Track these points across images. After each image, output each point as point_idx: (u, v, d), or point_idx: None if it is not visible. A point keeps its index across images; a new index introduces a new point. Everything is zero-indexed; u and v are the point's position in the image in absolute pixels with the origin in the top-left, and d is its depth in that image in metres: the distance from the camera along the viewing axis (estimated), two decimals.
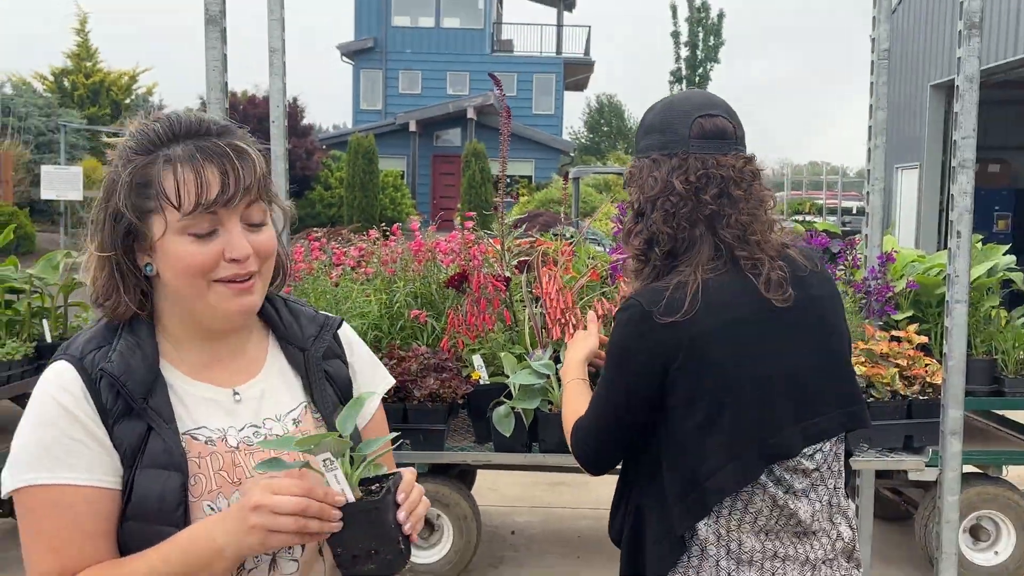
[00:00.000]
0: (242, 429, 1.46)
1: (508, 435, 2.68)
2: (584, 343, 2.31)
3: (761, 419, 1.80)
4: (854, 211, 10.58)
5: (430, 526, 4.77)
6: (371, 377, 1.67)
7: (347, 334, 1.68)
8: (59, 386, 1.39)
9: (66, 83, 28.10)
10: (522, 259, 2.90)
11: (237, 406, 1.47)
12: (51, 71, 28.51)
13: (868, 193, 3.48)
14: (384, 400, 2.92)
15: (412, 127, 28.43)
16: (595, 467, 2.00)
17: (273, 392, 1.51)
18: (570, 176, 13.36)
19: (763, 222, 1.88)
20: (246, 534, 1.29)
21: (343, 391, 1.58)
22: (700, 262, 1.86)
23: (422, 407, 2.74)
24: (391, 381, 1.74)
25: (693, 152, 1.87)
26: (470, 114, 28.10)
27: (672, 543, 1.85)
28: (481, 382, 2.83)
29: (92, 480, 1.35)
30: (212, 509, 1.38)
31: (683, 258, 1.88)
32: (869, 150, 3.40)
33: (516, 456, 2.80)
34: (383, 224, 3.68)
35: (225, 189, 1.37)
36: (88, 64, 28.37)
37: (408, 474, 1.38)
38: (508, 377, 2.71)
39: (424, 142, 29.50)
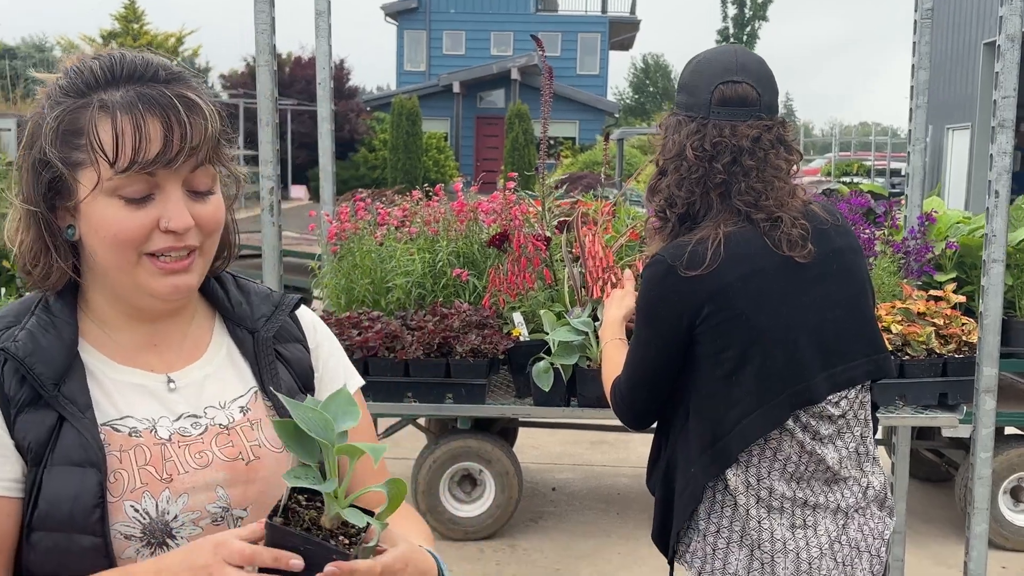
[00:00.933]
0: (177, 419, 1.25)
1: (547, 390, 2.76)
2: (621, 302, 2.35)
3: (787, 367, 1.85)
4: (903, 172, 10.42)
5: (472, 481, 4.88)
6: (340, 372, 1.45)
7: (310, 318, 1.46)
8: None
9: (114, 45, 28.40)
10: (562, 219, 2.96)
11: (172, 394, 1.27)
12: (100, 33, 28.90)
13: (909, 153, 3.48)
14: (426, 354, 3.04)
15: (456, 88, 28.38)
16: (636, 422, 2.06)
17: (218, 378, 1.31)
18: (612, 137, 13.34)
19: (778, 189, 1.90)
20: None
21: (302, 379, 1.38)
22: (720, 221, 1.90)
23: (464, 362, 2.83)
24: (360, 381, 1.49)
25: (712, 119, 1.90)
26: (514, 75, 27.97)
27: (694, 493, 1.91)
28: (521, 339, 2.91)
29: None
30: (135, 510, 1.17)
31: (703, 221, 1.94)
32: (911, 110, 3.40)
33: (554, 410, 2.89)
34: (426, 186, 3.75)
35: (167, 147, 1.15)
36: (135, 26, 28.70)
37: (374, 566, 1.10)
38: (548, 334, 2.78)
39: (468, 103, 29.45)
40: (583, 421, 5.47)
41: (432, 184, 3.74)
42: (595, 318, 2.72)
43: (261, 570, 1.07)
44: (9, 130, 19.26)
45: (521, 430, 5.77)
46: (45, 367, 1.18)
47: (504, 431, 5.33)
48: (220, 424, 1.27)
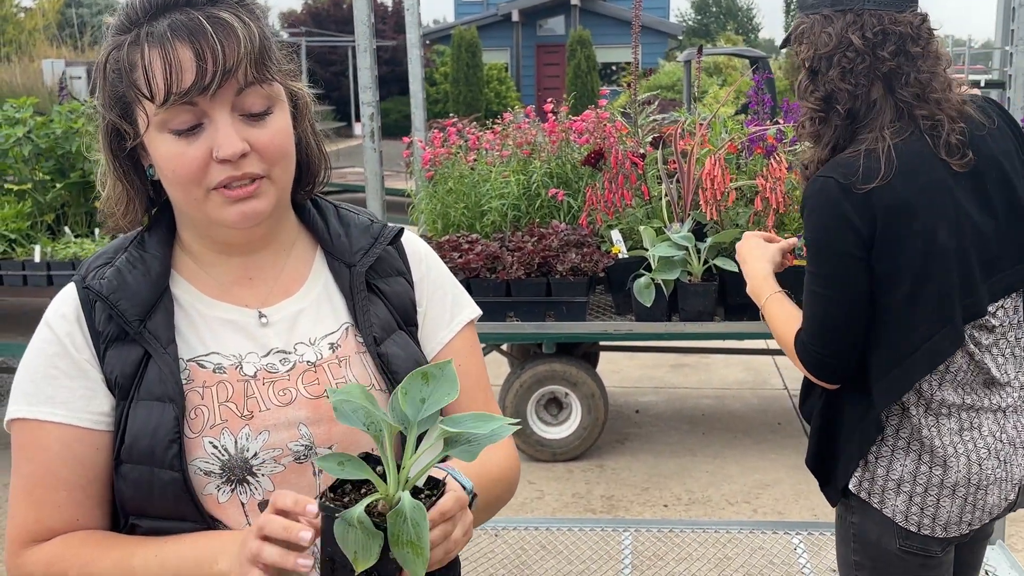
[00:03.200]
0: (266, 355, 1.23)
1: (648, 305, 2.77)
2: (760, 252, 2.14)
3: (962, 282, 1.81)
4: (982, 84, 10.06)
5: (558, 404, 4.95)
6: (446, 307, 1.38)
7: (418, 250, 1.40)
8: (57, 310, 1.23)
9: None
10: (657, 135, 2.95)
11: (263, 329, 1.25)
12: None
13: (1012, 54, 3.37)
14: (527, 274, 3.08)
15: (515, 17, 28.00)
16: (834, 375, 1.90)
17: (311, 313, 1.28)
18: (680, 59, 13.08)
19: (942, 80, 1.86)
20: (241, 570, 1.07)
21: (402, 314, 1.32)
22: (883, 124, 1.84)
23: (564, 281, 2.86)
24: (476, 312, 1.41)
25: (868, 8, 1.84)
26: (574, 0, 27.49)
27: (875, 421, 1.89)
28: (620, 256, 2.92)
29: (69, 417, 1.18)
30: (214, 446, 1.17)
31: (864, 122, 1.87)
32: (1014, 8, 3.28)
33: (656, 325, 2.91)
34: (492, 120, 3.73)
35: (201, 74, 1.10)
36: None
37: (450, 499, 1.07)
38: (647, 251, 2.79)
39: (527, 32, 29.05)
40: (668, 344, 5.50)
41: (494, 116, 3.73)
42: (696, 234, 2.72)
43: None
44: (79, 78, 19.62)
45: (602, 355, 5.81)
46: (129, 303, 1.19)
47: (586, 355, 5.37)
48: (308, 361, 1.24)
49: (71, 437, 1.18)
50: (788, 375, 6.29)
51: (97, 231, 5.08)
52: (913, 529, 1.89)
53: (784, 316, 1.99)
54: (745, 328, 3.58)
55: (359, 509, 0.98)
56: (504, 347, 5.27)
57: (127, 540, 1.19)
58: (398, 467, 1.04)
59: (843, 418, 1.95)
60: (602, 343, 5.42)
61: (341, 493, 1.05)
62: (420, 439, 1.05)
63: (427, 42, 28.38)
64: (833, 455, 1.97)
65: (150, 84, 1.11)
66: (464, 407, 1.26)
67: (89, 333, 1.20)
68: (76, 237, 5.01)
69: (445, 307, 1.37)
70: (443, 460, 1.06)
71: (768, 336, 3.88)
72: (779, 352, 5.73)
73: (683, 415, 5.70)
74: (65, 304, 1.23)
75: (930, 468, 1.89)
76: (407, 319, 1.33)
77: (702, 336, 3.48)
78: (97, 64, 1.18)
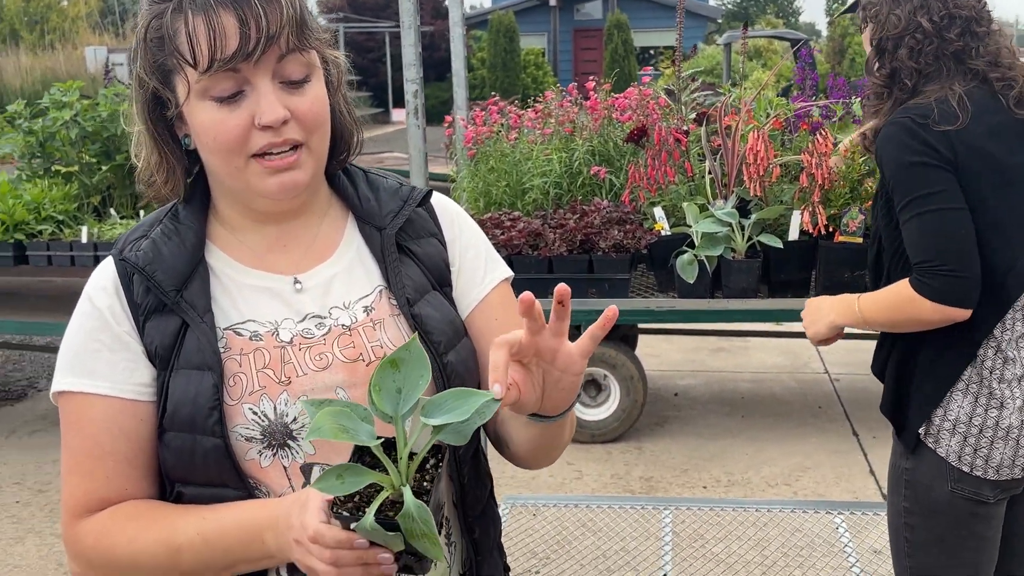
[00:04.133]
0: (302, 320, 1.24)
1: (692, 282, 2.77)
2: (818, 299, 2.18)
3: None
4: None
5: (597, 386, 4.95)
6: (479, 265, 1.37)
7: (449, 210, 1.39)
8: (96, 284, 1.24)
9: None
10: (701, 111, 2.93)
11: (298, 295, 1.25)
12: None
13: None
14: (569, 251, 3.09)
15: (552, 1, 27.91)
16: (968, 293, 1.88)
17: (345, 278, 1.28)
18: (720, 41, 12.97)
19: (1008, 52, 1.96)
20: (292, 555, 1.11)
21: (435, 275, 1.32)
22: (951, 83, 1.94)
23: (606, 258, 2.86)
24: (509, 272, 1.40)
25: None
26: None
27: (947, 363, 1.94)
28: (663, 233, 2.91)
29: (112, 389, 1.19)
30: (254, 412, 1.18)
31: (929, 86, 1.96)
32: None
33: (699, 302, 2.90)
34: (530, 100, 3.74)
35: (244, 40, 1.10)
36: None
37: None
38: (690, 227, 2.78)
39: (564, 16, 28.94)
40: (706, 327, 5.47)
41: (526, 104, 3.73)
42: (740, 211, 2.71)
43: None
44: (121, 64, 19.86)
45: (640, 339, 5.80)
46: (165, 275, 1.19)
47: (624, 338, 5.37)
48: (343, 325, 1.24)
49: (115, 409, 1.19)
50: (829, 359, 6.25)
51: (142, 212, 5.16)
52: (966, 470, 1.93)
53: (883, 295, 1.99)
54: (789, 305, 3.55)
55: (369, 518, 0.99)
56: None
57: (171, 516, 1.19)
58: (395, 461, 1.03)
59: (917, 363, 1.99)
60: (640, 325, 5.41)
61: (353, 493, 1.04)
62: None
63: (466, 27, 28.33)
64: (908, 401, 2.01)
65: (194, 51, 1.11)
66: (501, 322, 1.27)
67: (128, 305, 1.21)
68: (121, 218, 5.08)
69: (478, 265, 1.37)
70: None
71: None
72: None
73: (722, 398, 5.68)
74: (104, 278, 1.23)
75: (986, 410, 1.93)
76: (441, 280, 1.32)
77: (745, 314, 3.46)
78: (136, 32, 1.17)
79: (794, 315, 3.80)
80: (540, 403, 1.10)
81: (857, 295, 2.05)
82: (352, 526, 1.00)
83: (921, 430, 1.98)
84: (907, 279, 1.92)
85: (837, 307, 2.09)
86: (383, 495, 1.02)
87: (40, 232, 4.90)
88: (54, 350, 5.80)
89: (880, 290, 2.02)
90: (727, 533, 3.64)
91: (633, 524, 3.70)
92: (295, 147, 1.16)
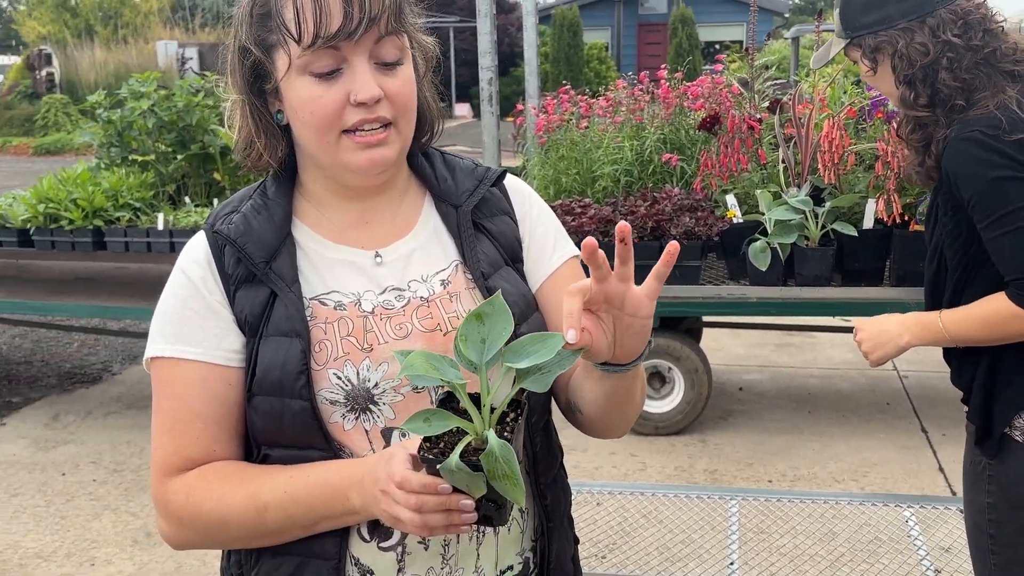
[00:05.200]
0: (382, 292, 1.30)
1: (764, 269, 2.75)
2: (880, 318, 2.14)
3: None
4: None
5: (661, 378, 4.94)
6: (548, 242, 1.42)
7: (521, 190, 1.45)
8: (189, 256, 1.30)
9: None
10: (774, 100, 2.92)
11: (378, 268, 1.31)
12: None
13: None
14: (639, 238, 3.09)
15: None
16: None
17: (423, 253, 1.34)
18: (787, 35, 12.81)
19: (1021, 45, 1.94)
20: (377, 509, 1.16)
21: (508, 251, 1.37)
22: (997, 90, 1.90)
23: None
24: (572, 251, 1.43)
25: (940, 7, 1.91)
26: None
27: None
28: (735, 220, 2.90)
29: (204, 355, 1.25)
30: (338, 377, 1.24)
31: (978, 95, 1.91)
32: None
33: (771, 290, 2.88)
34: (589, 90, 3.75)
35: (348, 19, 1.16)
36: None
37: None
38: (763, 215, 2.77)
39: (628, 11, 28.78)
40: (772, 321, 5.43)
41: (594, 96, 3.73)
42: (814, 199, 2.69)
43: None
44: (192, 59, 20.25)
45: (705, 333, 5.76)
46: (255, 247, 1.25)
47: (688, 331, 5.34)
48: (421, 297, 1.30)
49: (206, 373, 1.25)
50: (899, 356, 6.16)
51: (216, 200, 5.27)
52: None
53: (976, 312, 1.95)
54: (863, 295, 3.51)
55: (454, 458, 1.04)
56: None
57: (258, 476, 1.25)
58: (479, 407, 1.09)
59: (1002, 369, 1.96)
60: (705, 319, 5.39)
61: (437, 439, 1.10)
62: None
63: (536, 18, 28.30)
64: (994, 404, 1.98)
65: (300, 26, 1.16)
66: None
67: (220, 276, 1.27)
68: (196, 206, 5.20)
69: (548, 241, 1.42)
70: (520, 392, 1.11)
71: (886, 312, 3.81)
72: None
73: (788, 393, 5.63)
74: (196, 250, 1.29)
75: None
76: (513, 256, 1.38)
77: (817, 306, 3.42)
78: (240, 7, 1.24)
79: (867, 307, 3.78)
80: (612, 351, 1.14)
81: (938, 313, 2.01)
82: (438, 467, 1.05)
83: (1007, 428, 1.96)
84: (1001, 294, 1.88)
85: (912, 328, 2.04)
86: (467, 439, 1.07)
87: (118, 219, 5.03)
88: (129, 334, 5.98)
89: (967, 307, 1.97)
90: (792, 527, 3.62)
91: (697, 515, 3.70)
92: (385, 125, 1.21)
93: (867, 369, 5.98)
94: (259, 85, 1.25)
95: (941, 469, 4.38)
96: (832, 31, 2.21)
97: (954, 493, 4.10)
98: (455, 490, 1.08)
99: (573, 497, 1.50)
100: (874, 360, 2.10)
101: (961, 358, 2.06)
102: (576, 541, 1.49)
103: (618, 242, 1.08)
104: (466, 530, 1.12)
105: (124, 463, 4.65)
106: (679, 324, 5.05)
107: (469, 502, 1.08)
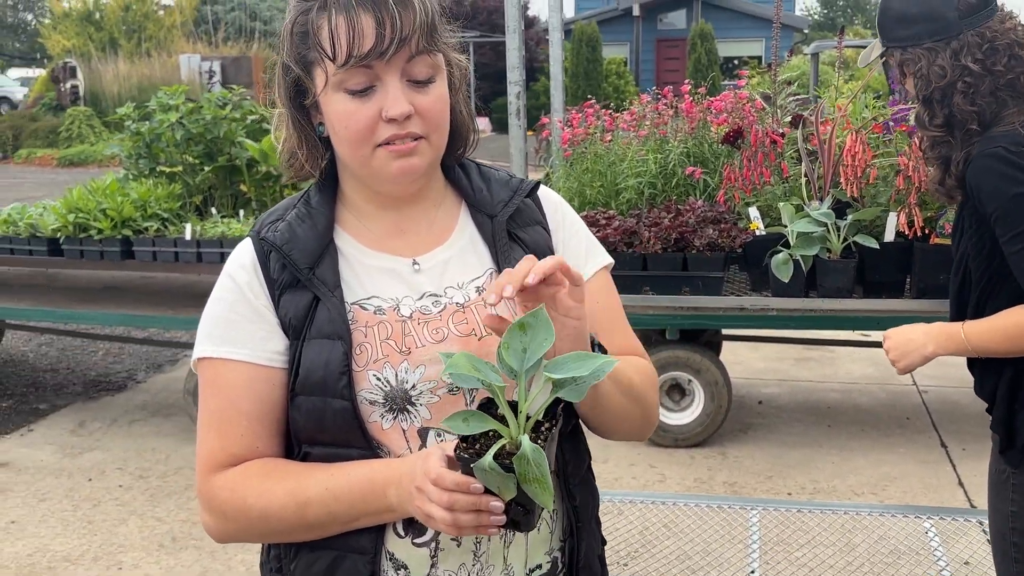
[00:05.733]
0: (420, 298, 1.35)
1: (786, 281, 2.79)
2: (908, 327, 2.17)
3: None
4: None
5: (681, 390, 4.96)
6: (581, 251, 1.47)
7: (553, 200, 1.50)
8: (236, 261, 1.36)
9: None
10: (796, 114, 2.96)
11: (416, 276, 1.36)
12: None
13: None
14: (663, 249, 3.14)
15: (635, 11, 27.83)
16: None
17: (459, 261, 1.39)
18: (807, 51, 12.83)
19: None
20: (412, 506, 1.20)
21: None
22: (1019, 111, 1.91)
23: (701, 256, 2.90)
24: (604, 261, 1.49)
25: (967, 29, 1.91)
26: None
27: None
28: (758, 232, 2.94)
29: (250, 356, 1.31)
30: (377, 378, 1.29)
31: (1004, 112, 1.93)
32: None
33: (793, 301, 2.92)
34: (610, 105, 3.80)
35: (380, 40, 1.22)
36: None
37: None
38: (785, 227, 2.81)
39: (647, 26, 28.84)
40: (792, 335, 5.44)
41: (619, 110, 3.79)
42: (836, 212, 2.73)
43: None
44: (216, 72, 20.46)
45: (724, 346, 5.78)
46: (300, 253, 1.31)
47: (709, 344, 5.35)
48: (457, 303, 1.35)
49: (251, 373, 1.31)
50: (918, 371, 6.14)
51: (242, 212, 5.34)
52: None
53: (999, 323, 1.98)
54: (884, 307, 3.54)
55: (488, 458, 1.09)
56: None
57: (299, 472, 1.30)
58: (515, 412, 1.14)
59: None
60: (725, 332, 5.40)
61: (473, 440, 1.16)
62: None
63: (546, 36, 28.41)
64: (1018, 413, 2.00)
65: (334, 46, 1.22)
66: (607, 341, 1.35)
67: (265, 281, 1.33)
68: (222, 217, 5.27)
69: (580, 251, 1.46)
70: (555, 401, 1.16)
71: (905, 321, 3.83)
72: None
73: (808, 407, 5.63)
74: (243, 256, 1.36)
75: None
76: None
77: (839, 316, 3.45)
78: (284, 27, 1.30)
79: (889, 319, 3.80)
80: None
81: (961, 324, 2.04)
82: (472, 465, 1.10)
83: None
84: (1021, 307, 1.92)
85: (936, 338, 2.07)
86: (501, 442, 1.13)
87: (146, 229, 5.11)
88: (154, 343, 6.06)
89: (989, 319, 1.99)
90: (812, 538, 3.63)
91: (717, 526, 3.72)
92: (416, 139, 1.28)
93: (887, 383, 5.99)
94: (300, 99, 1.32)
95: (961, 483, 4.38)
96: (854, 47, 2.24)
97: (974, 507, 4.11)
98: (487, 491, 1.12)
99: None
100: (900, 368, 2.13)
101: (984, 369, 2.08)
102: (603, 542, 1.53)
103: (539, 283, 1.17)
104: (494, 532, 1.16)
105: (149, 469, 4.72)
106: (699, 337, 5.08)
107: (499, 504, 1.13)
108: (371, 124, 1.25)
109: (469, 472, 1.12)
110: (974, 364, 2.11)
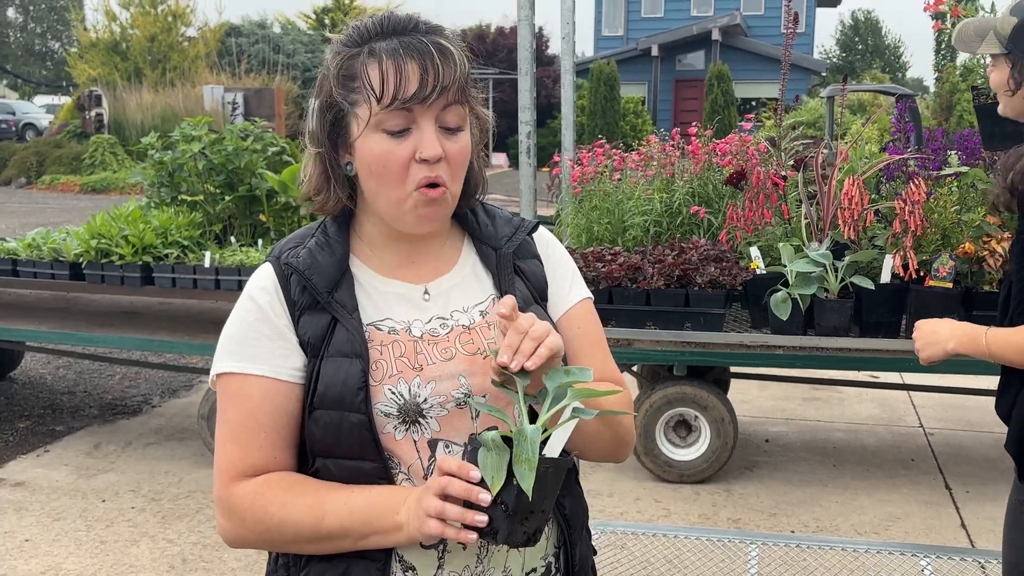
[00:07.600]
0: (428, 321, 1.46)
1: (785, 319, 2.87)
2: (935, 320, 2.21)
3: None
4: None
5: (687, 426, 5.00)
6: (566, 283, 1.60)
7: (546, 238, 1.64)
8: (257, 284, 1.46)
9: (327, 20, 29.97)
10: (798, 158, 3.05)
11: (427, 302, 1.48)
12: (313, 10, 30.50)
13: None
14: (667, 285, 3.23)
15: (654, 52, 28.09)
16: None
17: (463, 287, 1.52)
18: (823, 95, 12.95)
19: None
20: (414, 518, 1.30)
21: (538, 289, 1.55)
22: None
23: (703, 292, 2.98)
24: (586, 294, 1.62)
25: None
26: (715, 35, 27.36)
27: None
28: (758, 271, 3.02)
29: (269, 371, 1.40)
30: (392, 392, 1.39)
31: None
32: None
33: (791, 339, 2.99)
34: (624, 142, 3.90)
35: (423, 86, 1.33)
36: (346, 1, 30.06)
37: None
38: (785, 267, 2.89)
39: (665, 66, 29.10)
40: (799, 374, 5.48)
41: (629, 149, 3.89)
42: (834, 253, 2.81)
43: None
44: (239, 104, 20.74)
45: (732, 385, 5.82)
46: (320, 278, 1.42)
47: (716, 382, 5.40)
48: (463, 325, 1.47)
49: (270, 388, 1.40)
50: (924, 413, 6.18)
51: (260, 241, 5.45)
52: None
53: (1014, 334, 2.02)
54: (880, 345, 3.60)
55: (493, 433, 1.24)
56: (635, 368, 5.36)
57: (319, 487, 1.39)
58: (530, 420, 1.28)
59: None
60: (733, 369, 5.45)
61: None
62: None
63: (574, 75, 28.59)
64: None
65: (383, 87, 1.34)
66: (585, 363, 1.46)
67: (286, 302, 1.43)
68: (241, 246, 5.38)
69: (566, 281, 1.60)
70: (565, 454, 1.29)
71: (903, 366, 3.89)
72: (916, 388, 5.65)
73: (814, 447, 5.66)
74: (264, 279, 1.46)
75: None
76: (541, 295, 1.55)
77: (837, 355, 3.52)
78: (326, 70, 1.41)
79: (885, 359, 3.86)
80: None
81: (984, 328, 2.08)
82: (475, 435, 1.27)
83: None
84: None
85: (960, 337, 2.13)
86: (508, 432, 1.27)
87: (166, 255, 5.22)
88: (169, 368, 6.15)
89: (1012, 330, 2.03)
90: (810, 574, 3.67)
91: (719, 562, 3.76)
92: (441, 185, 1.39)
93: (893, 425, 6.02)
94: (335, 137, 1.42)
95: (963, 525, 4.41)
96: (861, 90, 2.32)
97: (974, 547, 4.13)
98: (481, 483, 1.23)
99: (596, 538, 1.65)
100: (924, 358, 2.19)
101: (1004, 384, 2.12)
102: (594, 551, 1.63)
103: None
104: (472, 538, 1.24)
105: (162, 492, 4.79)
106: (707, 374, 5.13)
107: (487, 496, 1.22)
108: (405, 163, 1.36)
109: (474, 459, 1.24)
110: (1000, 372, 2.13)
